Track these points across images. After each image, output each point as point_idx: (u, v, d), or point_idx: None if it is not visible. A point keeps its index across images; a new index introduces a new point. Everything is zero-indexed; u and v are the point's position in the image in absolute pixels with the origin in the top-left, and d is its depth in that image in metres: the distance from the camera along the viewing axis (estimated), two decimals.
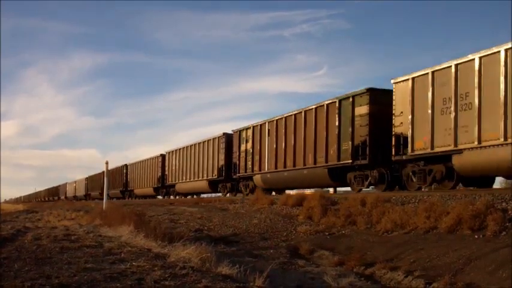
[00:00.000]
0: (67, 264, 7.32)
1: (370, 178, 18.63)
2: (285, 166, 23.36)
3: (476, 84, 14.16)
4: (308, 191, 23.42)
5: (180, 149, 38.06)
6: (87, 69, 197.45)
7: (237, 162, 28.54)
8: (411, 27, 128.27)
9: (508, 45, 13.36)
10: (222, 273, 6.76)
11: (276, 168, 24.10)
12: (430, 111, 15.56)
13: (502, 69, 13.48)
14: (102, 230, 13.65)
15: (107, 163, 23.62)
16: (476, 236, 9.33)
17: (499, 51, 13.56)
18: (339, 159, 19.57)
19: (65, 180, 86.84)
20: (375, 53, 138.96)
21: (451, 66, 14.97)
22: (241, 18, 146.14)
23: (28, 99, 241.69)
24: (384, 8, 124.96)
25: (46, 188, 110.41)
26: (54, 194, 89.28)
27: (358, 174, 19.28)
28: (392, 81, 17.27)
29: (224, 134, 30.23)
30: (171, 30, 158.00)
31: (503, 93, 13.45)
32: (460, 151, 14.59)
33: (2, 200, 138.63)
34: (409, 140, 16.25)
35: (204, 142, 33.09)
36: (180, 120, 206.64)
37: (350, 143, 18.86)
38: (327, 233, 12.77)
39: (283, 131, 23.59)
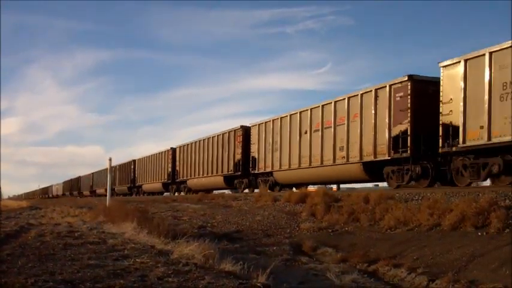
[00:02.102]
0: (70, 261, 7.34)
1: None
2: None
3: None
4: (311, 188, 23.38)
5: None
6: (90, 65, 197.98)
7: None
8: (416, 24, 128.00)
9: None
10: (225, 270, 6.78)
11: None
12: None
13: None
14: (105, 226, 13.69)
15: (110, 160, 23.63)
16: (479, 234, 9.31)
17: None
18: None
19: (68, 177, 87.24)
20: (379, 49, 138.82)
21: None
22: (245, 15, 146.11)
23: (31, 96, 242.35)
24: (388, 5, 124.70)
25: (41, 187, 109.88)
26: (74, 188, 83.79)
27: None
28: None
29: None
30: (174, 27, 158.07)
31: None
32: None
33: (5, 197, 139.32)
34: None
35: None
36: (183, 117, 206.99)
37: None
38: (330, 230, 12.77)
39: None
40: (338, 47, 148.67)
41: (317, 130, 21.97)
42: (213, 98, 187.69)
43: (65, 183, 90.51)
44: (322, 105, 21.74)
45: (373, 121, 18.86)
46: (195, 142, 35.55)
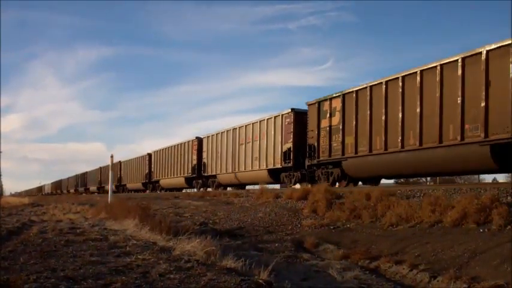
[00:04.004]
0: (72, 258, 7.35)
1: None
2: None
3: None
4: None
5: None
6: (92, 62, 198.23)
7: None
8: (418, 20, 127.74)
9: None
10: (227, 267, 6.78)
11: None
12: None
13: None
14: (107, 223, 13.70)
15: (111, 157, 23.69)
16: (481, 230, 9.31)
17: None
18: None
19: (70, 174, 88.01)
20: (381, 45, 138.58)
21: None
22: (247, 11, 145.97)
23: (33, 93, 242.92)
24: (391, 1, 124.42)
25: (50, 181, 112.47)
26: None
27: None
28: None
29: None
30: (176, 23, 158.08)
31: None
32: None
33: (8, 194, 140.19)
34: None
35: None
36: (185, 113, 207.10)
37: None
38: (331, 227, 12.77)
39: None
40: (340, 43, 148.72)
41: (242, 144, 28.70)
42: (215, 95, 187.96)
43: (52, 183, 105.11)
44: (246, 126, 28.40)
45: (273, 140, 25.55)
46: (227, 131, 31.58)
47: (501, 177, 32.29)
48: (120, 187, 53.41)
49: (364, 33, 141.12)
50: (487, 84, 13.89)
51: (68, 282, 5.55)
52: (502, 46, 13.48)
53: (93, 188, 67.06)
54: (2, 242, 9.52)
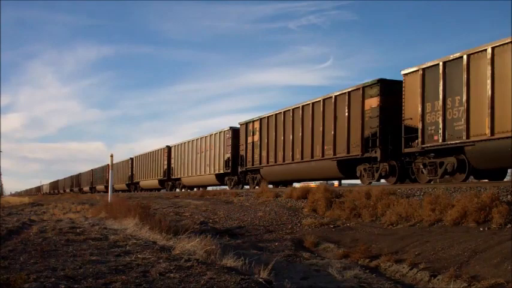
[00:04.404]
0: (72, 257, 7.34)
1: None
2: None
3: None
4: (313, 184, 23.66)
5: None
6: (92, 61, 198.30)
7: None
8: (418, 18, 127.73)
9: None
10: (227, 266, 6.77)
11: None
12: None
13: None
14: (107, 222, 13.69)
15: (111, 156, 23.68)
16: (481, 229, 9.31)
17: None
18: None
19: (71, 173, 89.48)
20: (381, 44, 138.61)
21: None
22: (247, 10, 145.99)
23: (33, 91, 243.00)
24: (391, 0, 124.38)
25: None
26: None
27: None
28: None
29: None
30: (176, 22, 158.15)
31: None
32: None
33: (8, 193, 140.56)
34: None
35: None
36: (185, 112, 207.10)
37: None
38: (331, 226, 12.77)
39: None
40: (340, 41, 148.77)
41: (198, 153, 35.17)
42: (215, 93, 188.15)
43: (50, 183, 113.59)
44: (201, 138, 34.73)
45: (218, 151, 31.71)
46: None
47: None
48: (131, 185, 53.37)
49: (364, 31, 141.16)
50: (335, 118, 19.76)
51: (68, 281, 5.54)
52: (215, 133, 28.49)
53: (86, 188, 71.03)
54: (2, 242, 9.52)
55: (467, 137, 14.20)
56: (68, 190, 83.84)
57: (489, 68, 13.59)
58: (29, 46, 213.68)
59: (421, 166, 16.25)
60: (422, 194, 12.78)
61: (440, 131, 15.01)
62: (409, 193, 13.31)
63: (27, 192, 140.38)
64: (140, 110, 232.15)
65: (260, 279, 5.78)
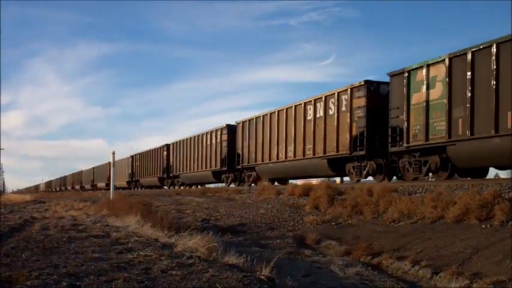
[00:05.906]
0: (74, 254, 7.36)
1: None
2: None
3: None
4: (314, 181, 23.86)
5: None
6: (93, 58, 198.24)
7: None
8: (420, 15, 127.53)
9: None
10: (228, 263, 6.78)
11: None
12: None
13: None
14: (109, 220, 13.71)
15: (113, 153, 23.71)
16: (483, 226, 9.30)
17: None
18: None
19: (73, 171, 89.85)
20: (383, 41, 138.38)
21: None
22: (248, 7, 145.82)
23: (35, 89, 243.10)
24: None
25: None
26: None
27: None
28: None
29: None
30: (177, 20, 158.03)
31: None
32: None
33: (10, 191, 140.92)
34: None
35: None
36: (186, 110, 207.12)
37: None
38: (333, 223, 12.77)
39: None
40: (342, 39, 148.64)
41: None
42: (216, 91, 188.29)
43: (45, 183, 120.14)
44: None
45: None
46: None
47: (503, 173, 32.20)
48: (132, 183, 53.60)
49: (366, 29, 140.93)
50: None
51: (70, 278, 5.55)
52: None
53: (87, 186, 71.70)
54: (4, 239, 9.54)
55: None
56: (69, 188, 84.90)
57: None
58: (30, 44, 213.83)
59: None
60: (424, 191, 12.77)
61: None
62: (411, 190, 13.30)
63: (27, 190, 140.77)
64: (141, 108, 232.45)
65: (262, 277, 5.78)
